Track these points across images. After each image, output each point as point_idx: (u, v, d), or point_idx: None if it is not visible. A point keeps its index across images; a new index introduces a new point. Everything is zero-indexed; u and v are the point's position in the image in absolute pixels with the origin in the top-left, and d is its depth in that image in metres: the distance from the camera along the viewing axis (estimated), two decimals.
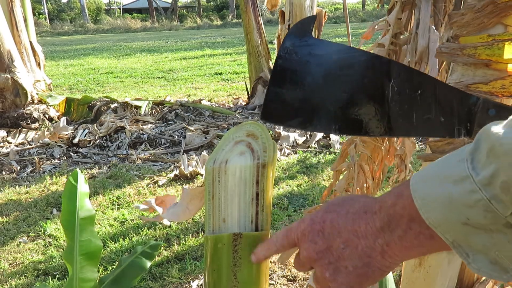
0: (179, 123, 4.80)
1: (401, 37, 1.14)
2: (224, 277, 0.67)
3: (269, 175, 0.68)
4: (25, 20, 5.33)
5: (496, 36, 0.81)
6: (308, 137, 4.34)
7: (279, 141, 4.25)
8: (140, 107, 4.97)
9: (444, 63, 1.00)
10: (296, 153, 4.04)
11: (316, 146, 4.18)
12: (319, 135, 4.29)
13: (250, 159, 0.67)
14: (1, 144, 4.33)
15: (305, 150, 4.10)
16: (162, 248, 2.47)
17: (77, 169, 1.64)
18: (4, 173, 3.74)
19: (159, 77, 9.18)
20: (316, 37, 5.27)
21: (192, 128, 4.52)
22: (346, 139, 4.33)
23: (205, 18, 38.99)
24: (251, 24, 5.41)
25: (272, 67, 5.51)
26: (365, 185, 1.25)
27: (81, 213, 1.53)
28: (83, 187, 1.59)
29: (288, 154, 4.02)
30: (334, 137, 4.24)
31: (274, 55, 5.59)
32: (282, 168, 3.68)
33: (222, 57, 12.35)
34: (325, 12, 5.53)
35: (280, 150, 4.07)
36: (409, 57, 1.07)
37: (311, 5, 5.09)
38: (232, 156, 0.68)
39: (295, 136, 4.32)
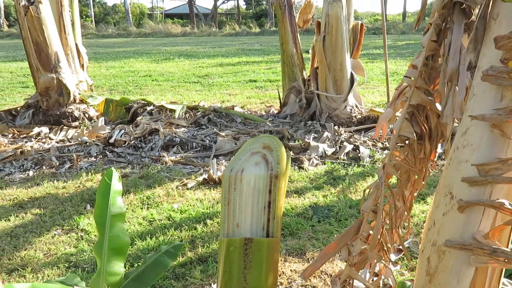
0: (211, 128, 4.91)
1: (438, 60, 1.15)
2: (234, 278, 0.72)
3: (281, 185, 0.72)
4: (73, 24, 5.62)
5: None
6: (338, 148, 4.33)
7: (308, 151, 4.27)
8: (174, 110, 5.12)
9: (472, 86, 1.01)
10: (324, 164, 4.04)
11: (345, 158, 4.17)
12: (349, 146, 4.27)
13: (264, 170, 0.72)
14: (43, 140, 4.58)
15: (334, 161, 4.09)
16: (186, 249, 2.55)
17: (112, 168, 1.73)
18: (44, 167, 3.95)
19: (195, 82, 9.39)
20: (356, 50, 5.20)
21: (223, 134, 4.61)
22: (377, 152, 4.26)
23: (244, 25, 39.43)
24: (287, 34, 5.47)
25: (305, 77, 5.55)
26: (393, 207, 1.24)
27: (112, 209, 1.62)
28: (116, 186, 1.68)
29: (316, 165, 4.03)
30: (364, 150, 4.21)
31: (308, 66, 5.61)
32: (309, 178, 3.70)
33: (258, 65, 12.47)
34: (362, 24, 5.51)
35: (309, 160, 4.09)
36: (442, 78, 1.08)
37: (347, 16, 5.10)
38: (248, 165, 0.73)
39: (325, 146, 4.33)
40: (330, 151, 4.28)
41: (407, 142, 1.13)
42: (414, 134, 1.09)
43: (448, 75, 1.00)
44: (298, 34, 5.65)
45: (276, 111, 5.94)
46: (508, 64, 0.85)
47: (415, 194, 1.25)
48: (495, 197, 0.86)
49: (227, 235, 0.75)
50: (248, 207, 0.74)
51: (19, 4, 4.62)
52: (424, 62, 1.06)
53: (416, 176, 1.16)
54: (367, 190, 1.27)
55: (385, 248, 1.18)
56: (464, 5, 1.02)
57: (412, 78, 1.09)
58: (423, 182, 1.20)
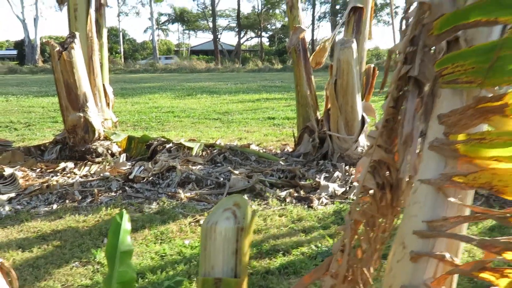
0: (226, 165, 5.10)
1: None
2: None
3: (245, 236, 0.89)
4: (101, 66, 6.04)
5: (472, 136, 0.97)
6: (348, 188, 4.44)
7: (318, 190, 4.39)
8: (192, 148, 5.37)
9: (423, 151, 1.16)
10: (333, 203, 4.15)
11: (355, 198, 4.26)
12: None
13: (233, 223, 0.89)
14: (68, 175, 4.87)
15: (343, 201, 4.20)
16: (187, 283, 2.69)
17: (123, 210, 1.93)
18: (67, 201, 4.20)
19: (215, 119, 9.72)
20: (368, 93, 5.40)
21: (236, 172, 4.80)
22: None
23: (266, 62, 40.41)
24: (302, 76, 5.72)
25: (319, 117, 5.74)
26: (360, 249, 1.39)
27: (121, 247, 1.80)
28: (126, 225, 1.87)
29: (325, 204, 4.14)
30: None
31: (322, 105, 5.80)
32: (318, 217, 3.81)
33: (277, 102, 12.79)
34: (375, 67, 5.71)
35: (318, 199, 4.20)
36: (399, 139, 1.24)
37: (359, 60, 5.32)
38: (221, 219, 0.91)
39: (335, 186, 4.44)
40: (340, 191, 4.39)
41: (370, 191, 1.29)
42: (376, 185, 1.25)
43: (404, 138, 1.16)
44: (312, 76, 5.90)
45: (290, 150, 6.12)
46: (450, 137, 1.01)
47: (386, 235, 1.39)
48: (438, 250, 1.00)
49: (204, 275, 0.92)
50: (220, 253, 0.91)
51: (54, 49, 5.05)
52: (384, 124, 1.23)
53: (380, 221, 1.31)
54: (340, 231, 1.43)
55: (358, 286, 1.31)
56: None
57: (374, 138, 1.25)
58: (390, 225, 1.35)
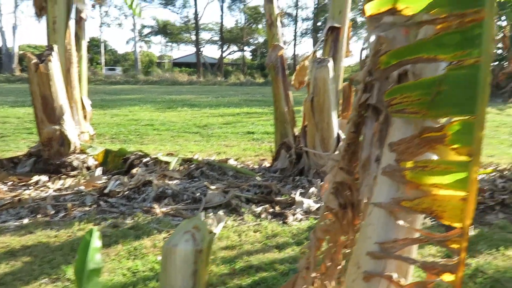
0: (203, 180, 5.11)
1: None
2: None
3: (203, 258, 0.92)
4: (80, 78, 6.01)
5: (417, 163, 1.03)
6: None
7: (294, 206, 4.44)
8: (169, 163, 5.36)
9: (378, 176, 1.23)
10: (308, 219, 4.20)
11: None
12: None
13: (192, 245, 0.93)
14: (42, 189, 4.79)
15: (318, 217, 4.25)
16: None
17: (94, 227, 1.93)
18: (39, 216, 4.13)
19: (194, 132, 9.72)
20: (346, 110, 5.52)
21: (213, 187, 4.81)
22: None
23: (249, 76, 40.73)
24: (280, 93, 5.82)
25: (296, 133, 5.82)
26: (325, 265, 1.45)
27: (90, 265, 1.80)
28: (96, 243, 1.87)
29: (300, 220, 4.19)
30: None
31: (300, 121, 5.89)
32: (292, 233, 3.85)
33: (258, 116, 12.90)
34: (351, 86, 5.85)
35: (293, 215, 4.25)
36: (359, 163, 1.31)
37: (336, 78, 5.45)
38: (181, 241, 0.94)
39: (310, 202, 4.50)
40: (315, 206, 4.45)
41: (333, 211, 1.35)
42: (338, 205, 1.31)
43: (362, 162, 1.23)
44: (290, 92, 6.00)
45: (268, 165, 6.17)
46: (400, 164, 1.08)
47: (348, 251, 1.44)
48: (389, 270, 1.05)
49: None
50: (179, 274, 0.94)
51: (31, 61, 5.01)
52: (345, 148, 1.30)
53: (342, 238, 1.37)
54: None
55: None
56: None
57: (337, 160, 1.32)
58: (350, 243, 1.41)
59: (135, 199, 4.59)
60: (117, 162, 5.56)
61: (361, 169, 1.30)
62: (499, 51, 13.06)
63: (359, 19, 37.64)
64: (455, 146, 0.90)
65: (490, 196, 4.53)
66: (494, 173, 5.45)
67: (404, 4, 0.96)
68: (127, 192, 4.67)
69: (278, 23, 5.93)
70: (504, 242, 3.58)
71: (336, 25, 5.62)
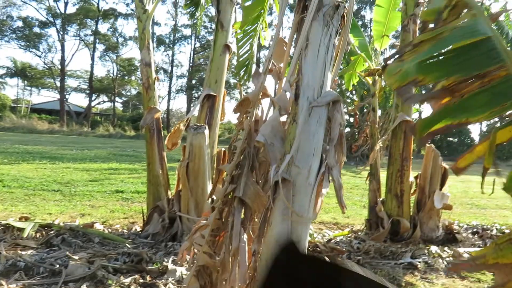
0: (65, 249, 4.63)
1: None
2: None
3: None
4: None
5: None
6: None
7: (166, 275, 4.28)
8: (23, 229, 4.75)
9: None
10: None
11: None
12: None
13: None
14: None
15: None
16: None
17: None
18: None
19: (55, 190, 8.82)
20: (220, 174, 5.65)
21: (76, 257, 4.38)
22: None
23: (119, 128, 39.19)
24: (154, 155, 5.75)
25: (170, 197, 5.74)
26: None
27: None
28: None
29: None
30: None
31: (173, 185, 5.84)
32: None
33: (128, 173, 12.36)
34: (225, 151, 6.10)
35: (165, 285, 4.09)
36: (227, 251, 1.38)
37: (211, 144, 5.63)
38: None
39: (183, 270, 4.39)
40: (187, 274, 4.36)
41: None
42: (199, 287, 1.37)
43: (233, 250, 1.31)
44: (164, 154, 5.97)
45: (139, 229, 5.90)
46: None
47: None
48: None
49: None
50: None
51: None
52: (210, 233, 1.38)
53: None
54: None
55: None
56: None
57: (201, 245, 1.38)
58: None
59: None
60: None
61: (231, 257, 1.38)
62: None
63: (232, 80, 39.99)
64: None
65: (348, 257, 5.04)
66: (350, 234, 6.11)
67: (423, 75, 1.05)
68: None
69: (155, 86, 5.99)
70: None
71: (212, 93, 5.92)
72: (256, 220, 1.33)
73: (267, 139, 1.31)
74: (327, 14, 1.26)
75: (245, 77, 5.75)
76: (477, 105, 0.96)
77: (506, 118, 0.97)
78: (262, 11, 4.43)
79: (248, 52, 5.49)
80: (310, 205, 1.24)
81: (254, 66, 5.68)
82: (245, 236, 1.29)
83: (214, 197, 5.36)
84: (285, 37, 1.51)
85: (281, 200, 1.18)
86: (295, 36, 1.40)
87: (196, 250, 1.44)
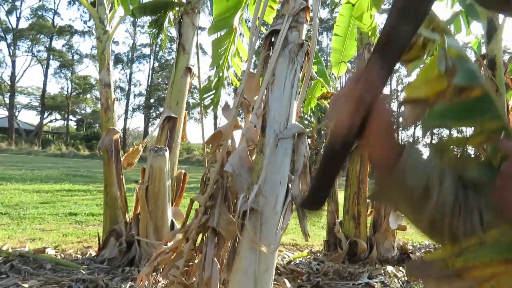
0: (14, 277, 4.38)
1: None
2: None
3: None
4: None
5: None
6: None
7: None
8: None
9: None
10: None
11: None
12: None
13: None
14: None
15: None
16: None
17: None
18: None
19: (2, 213, 8.34)
20: (178, 197, 5.59)
21: (26, 286, 4.16)
22: None
23: (72, 147, 37.77)
24: (112, 177, 5.61)
25: (128, 220, 5.60)
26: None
27: None
28: None
29: None
30: None
31: (131, 208, 5.69)
32: None
33: (82, 194, 11.90)
34: (185, 173, 6.06)
35: None
36: (200, 280, 1.40)
37: (172, 166, 5.58)
38: None
39: None
40: None
41: None
42: None
43: (205, 280, 1.33)
44: (123, 177, 5.84)
45: (94, 253, 5.68)
46: None
47: None
48: None
49: None
50: None
51: None
52: (184, 264, 1.39)
53: None
54: None
55: None
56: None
57: (175, 276, 1.40)
58: None
59: None
60: None
61: (204, 286, 1.40)
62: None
63: (191, 100, 39.81)
64: None
65: (307, 279, 5.09)
66: (309, 256, 6.19)
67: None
68: None
69: (114, 107, 5.90)
70: None
71: (173, 115, 5.90)
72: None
73: (235, 169, 1.35)
74: (292, 51, 1.34)
75: (212, 106, 5.75)
76: None
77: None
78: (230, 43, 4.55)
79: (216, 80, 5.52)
80: (277, 233, 1.28)
81: (222, 93, 5.66)
82: (217, 265, 1.32)
83: (174, 220, 5.29)
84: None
85: (249, 230, 1.21)
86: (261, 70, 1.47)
87: (162, 279, 1.44)
